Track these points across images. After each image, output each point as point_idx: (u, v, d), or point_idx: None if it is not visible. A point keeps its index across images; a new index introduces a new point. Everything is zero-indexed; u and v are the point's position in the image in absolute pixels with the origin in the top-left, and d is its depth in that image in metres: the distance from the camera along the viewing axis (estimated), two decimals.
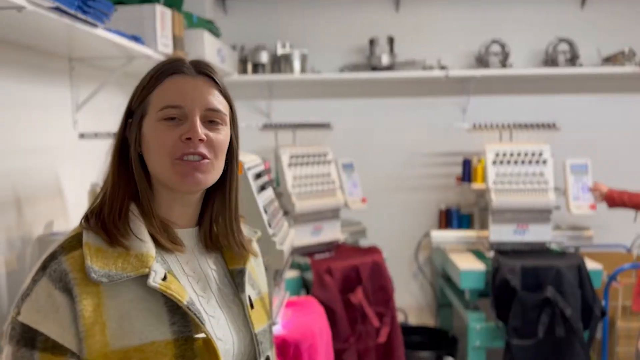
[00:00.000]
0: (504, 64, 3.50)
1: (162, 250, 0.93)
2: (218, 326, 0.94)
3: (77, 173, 2.24)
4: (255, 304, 1.03)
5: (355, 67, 3.58)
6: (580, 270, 2.81)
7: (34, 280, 0.86)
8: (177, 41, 2.49)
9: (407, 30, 3.65)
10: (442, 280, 3.53)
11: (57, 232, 1.94)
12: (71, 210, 2.14)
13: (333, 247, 2.94)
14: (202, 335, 0.89)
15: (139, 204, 0.94)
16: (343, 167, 3.28)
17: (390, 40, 3.55)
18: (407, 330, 3.43)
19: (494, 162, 3.05)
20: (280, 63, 3.52)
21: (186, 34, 2.62)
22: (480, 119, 3.45)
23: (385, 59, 3.49)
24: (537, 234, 3.04)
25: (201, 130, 0.92)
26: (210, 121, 0.94)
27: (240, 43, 3.59)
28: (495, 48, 3.52)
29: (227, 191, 1.01)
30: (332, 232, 2.92)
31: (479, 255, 3.17)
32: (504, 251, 3.02)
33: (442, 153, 3.67)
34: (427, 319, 3.76)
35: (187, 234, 0.99)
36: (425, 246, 3.70)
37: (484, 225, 3.46)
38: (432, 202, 3.68)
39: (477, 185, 3.28)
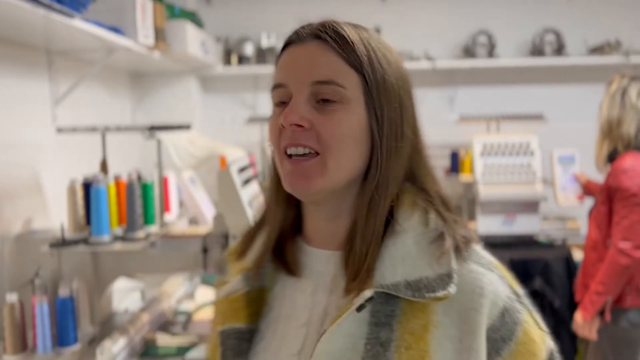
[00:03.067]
0: (490, 54, 3.48)
1: (283, 268, 0.75)
2: None
3: (57, 169, 2.19)
4: None
5: None
6: (569, 262, 2.81)
7: None
8: (159, 32, 2.43)
9: (394, 20, 3.62)
10: None
11: (36, 230, 1.89)
12: (50, 207, 2.09)
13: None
14: None
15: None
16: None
17: (377, 31, 3.50)
18: None
19: (482, 154, 3.03)
20: (265, 55, 3.47)
21: (168, 25, 2.57)
22: (467, 111, 3.43)
23: None
24: (525, 225, 3.03)
25: (298, 113, 0.67)
26: (323, 100, 0.68)
27: (224, 35, 3.53)
28: (482, 39, 3.50)
29: (366, 199, 0.69)
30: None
31: None
32: (491, 243, 3.00)
33: (429, 145, 3.63)
34: None
35: (320, 257, 0.73)
36: None
37: (472, 217, 3.44)
38: None
39: (465, 177, 3.27)
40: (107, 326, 1.85)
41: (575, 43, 3.51)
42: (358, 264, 0.68)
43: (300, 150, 0.68)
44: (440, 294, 0.64)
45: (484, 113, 3.26)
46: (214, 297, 0.83)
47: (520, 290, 0.73)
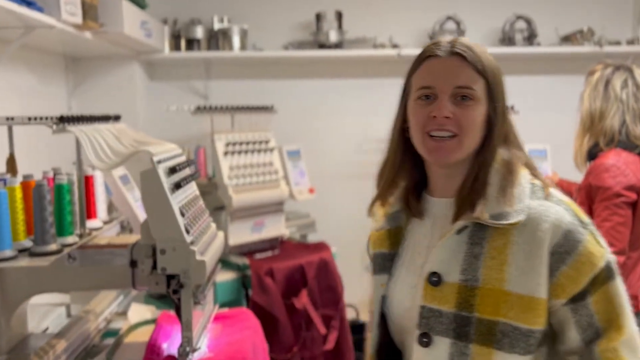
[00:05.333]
0: None
1: (411, 213, 1.12)
2: (393, 284, 1.09)
3: None
4: (448, 287, 1.01)
5: (300, 45, 3.28)
6: None
7: None
8: (88, 10, 2.13)
9: (357, 4, 3.37)
10: None
11: None
12: None
13: (277, 244, 2.66)
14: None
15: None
16: (288, 154, 3.00)
17: (339, 16, 3.27)
18: (359, 328, 3.20)
19: None
20: (217, 39, 3.18)
21: (101, 2, 2.27)
22: None
23: (333, 36, 3.21)
24: None
25: (447, 109, 1.01)
26: (462, 97, 1.01)
27: (172, 17, 3.23)
28: (450, 25, 3.29)
29: (478, 165, 1.03)
30: (276, 228, 2.64)
31: None
32: None
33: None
34: None
35: (438, 204, 1.08)
36: None
37: None
38: None
39: None
40: (19, 353, 1.56)
41: (547, 32, 3.34)
42: (463, 204, 1.02)
43: (444, 134, 1.01)
44: (512, 220, 0.99)
45: None
46: (372, 227, 1.20)
47: (586, 219, 1.04)
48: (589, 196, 2.11)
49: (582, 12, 3.38)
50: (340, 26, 3.26)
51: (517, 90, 3.41)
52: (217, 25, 3.17)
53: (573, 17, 3.37)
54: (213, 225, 1.59)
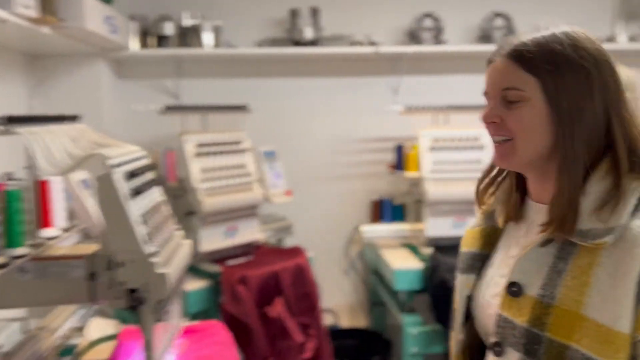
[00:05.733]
0: (437, 40, 3.20)
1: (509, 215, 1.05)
2: (480, 286, 1.04)
3: None
4: (526, 299, 0.94)
5: (275, 42, 3.18)
6: None
7: None
8: (46, 3, 2.00)
9: (333, 0, 3.28)
10: (374, 277, 3.24)
11: None
12: None
13: (251, 249, 2.55)
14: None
15: None
16: (264, 155, 2.89)
17: (314, 12, 3.17)
18: (338, 334, 3.11)
19: (430, 149, 2.75)
20: (187, 35, 3.06)
21: None
22: (413, 101, 3.15)
23: (308, 33, 3.11)
24: None
25: (493, 113, 0.96)
26: (510, 100, 0.95)
27: (140, 12, 3.09)
28: (428, 23, 3.22)
29: (557, 167, 0.94)
30: (250, 233, 2.53)
31: (414, 250, 2.89)
32: (441, 247, 2.74)
33: (373, 138, 3.35)
34: (359, 319, 3.46)
35: (534, 208, 1.01)
36: (357, 240, 3.38)
37: (418, 217, 3.17)
38: (364, 193, 3.36)
39: (410, 173, 2.98)
40: None
41: (527, 29, 3.29)
42: (554, 214, 0.93)
43: (498, 138, 0.97)
44: (599, 240, 0.88)
45: (430, 104, 2.97)
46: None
47: None
48: None
49: (561, 9, 3.34)
50: (316, 23, 3.16)
51: None
52: (187, 22, 3.05)
53: (552, 14, 3.32)
54: (179, 234, 1.48)
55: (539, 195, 0.99)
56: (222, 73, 3.27)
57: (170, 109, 2.57)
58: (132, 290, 1.27)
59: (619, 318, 0.86)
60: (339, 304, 3.43)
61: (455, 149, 2.75)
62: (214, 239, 2.36)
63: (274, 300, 2.27)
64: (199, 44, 3.03)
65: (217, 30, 3.08)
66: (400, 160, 3.04)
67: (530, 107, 0.93)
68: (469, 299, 1.05)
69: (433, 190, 2.68)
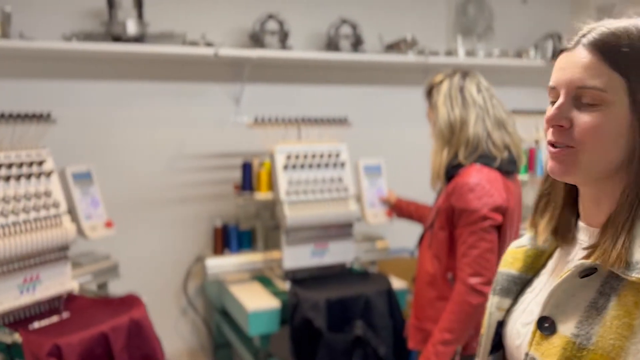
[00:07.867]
0: (283, 44, 2.87)
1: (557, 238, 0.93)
2: (514, 312, 0.94)
3: None
4: (557, 339, 0.80)
5: (89, 36, 2.55)
6: (390, 295, 2.33)
7: None
8: None
9: None
10: (218, 315, 2.77)
11: None
12: None
13: (60, 304, 1.92)
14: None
15: None
16: (74, 178, 2.26)
17: (138, 3, 2.62)
18: None
19: (286, 167, 2.38)
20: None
21: None
22: (257, 112, 2.78)
23: (131, 27, 2.55)
24: (338, 253, 2.48)
25: (563, 115, 0.80)
26: (586, 102, 0.78)
27: None
28: (272, 25, 2.87)
29: (622, 189, 0.79)
30: (58, 283, 1.90)
31: (267, 283, 2.49)
32: (300, 279, 2.39)
33: (214, 154, 2.88)
34: None
35: (584, 231, 0.88)
36: (197, 273, 2.88)
37: (268, 244, 2.79)
38: (205, 218, 2.86)
39: (261, 194, 2.58)
40: None
41: (372, 39, 3.12)
42: (603, 239, 0.80)
43: (560, 145, 0.82)
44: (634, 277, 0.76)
45: (276, 115, 2.62)
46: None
47: None
48: (450, 220, 1.85)
49: (403, 21, 3.24)
50: (140, 16, 2.62)
51: (348, 101, 3.17)
52: None
53: (396, 25, 3.21)
54: None
55: (590, 217, 0.86)
56: (16, 73, 2.54)
57: None
58: None
59: None
60: (177, 349, 2.89)
61: (312, 167, 2.43)
62: (4, 296, 1.70)
63: None
64: None
65: (5, 18, 2.37)
66: (249, 179, 2.62)
67: (609, 112, 0.77)
68: (500, 325, 0.94)
69: (291, 214, 2.32)
